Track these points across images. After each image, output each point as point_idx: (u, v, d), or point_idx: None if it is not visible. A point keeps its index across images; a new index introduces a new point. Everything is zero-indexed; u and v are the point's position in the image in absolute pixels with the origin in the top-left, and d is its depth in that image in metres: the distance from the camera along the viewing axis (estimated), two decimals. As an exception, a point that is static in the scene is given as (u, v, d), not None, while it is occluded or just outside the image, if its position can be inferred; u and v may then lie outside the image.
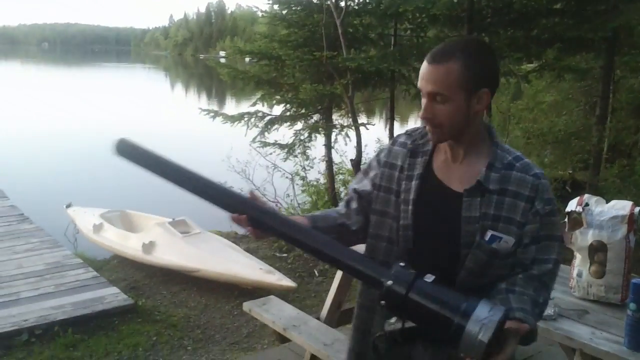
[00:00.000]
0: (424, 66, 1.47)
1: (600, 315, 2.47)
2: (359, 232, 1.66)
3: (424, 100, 1.48)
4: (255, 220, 1.49)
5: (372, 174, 1.67)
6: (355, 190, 1.69)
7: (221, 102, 25.45)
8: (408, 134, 1.65)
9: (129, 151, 1.58)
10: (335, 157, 8.16)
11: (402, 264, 1.39)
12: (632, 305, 2.15)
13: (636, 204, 2.57)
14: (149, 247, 5.57)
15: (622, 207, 2.51)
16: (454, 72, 1.43)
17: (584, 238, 2.54)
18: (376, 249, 1.62)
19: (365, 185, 1.67)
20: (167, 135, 15.82)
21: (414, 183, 1.56)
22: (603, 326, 2.36)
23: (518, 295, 1.46)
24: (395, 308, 1.38)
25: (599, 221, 2.51)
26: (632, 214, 2.48)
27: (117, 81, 41.45)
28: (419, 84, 1.48)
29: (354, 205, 1.68)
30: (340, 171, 8.55)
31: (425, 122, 1.50)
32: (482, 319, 1.27)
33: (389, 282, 1.35)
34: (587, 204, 2.56)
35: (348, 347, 1.77)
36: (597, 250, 2.52)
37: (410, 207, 1.54)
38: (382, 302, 1.36)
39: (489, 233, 1.47)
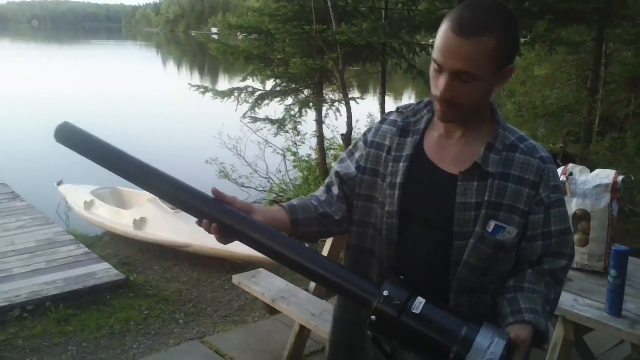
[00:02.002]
0: (450, 37, 1.24)
1: (584, 282, 2.50)
2: (342, 222, 1.49)
3: (442, 77, 1.28)
4: (227, 228, 1.31)
5: (357, 155, 1.50)
6: (337, 174, 1.51)
7: (214, 78, 25.28)
8: (399, 111, 1.49)
9: (70, 138, 1.39)
10: (327, 133, 8.16)
11: (391, 279, 1.25)
12: (613, 272, 2.18)
13: (620, 173, 2.59)
14: (140, 223, 5.58)
15: (605, 176, 2.53)
16: (489, 49, 1.23)
17: (568, 207, 2.56)
18: (363, 236, 1.47)
19: (349, 167, 1.50)
20: (159, 112, 15.78)
21: (401, 165, 1.40)
22: (585, 293, 2.40)
23: (527, 294, 1.31)
24: (385, 331, 1.24)
25: (582, 190, 2.53)
26: (615, 183, 2.50)
27: (109, 59, 41.09)
28: (439, 57, 1.26)
29: (335, 191, 1.50)
30: (332, 146, 8.55)
31: (442, 102, 1.30)
32: (485, 350, 1.13)
33: (385, 293, 1.21)
34: (571, 174, 2.58)
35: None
36: (580, 219, 2.55)
37: (396, 192, 1.39)
38: (373, 317, 1.22)
39: (493, 223, 1.31)
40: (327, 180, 1.56)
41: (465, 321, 1.19)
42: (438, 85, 1.29)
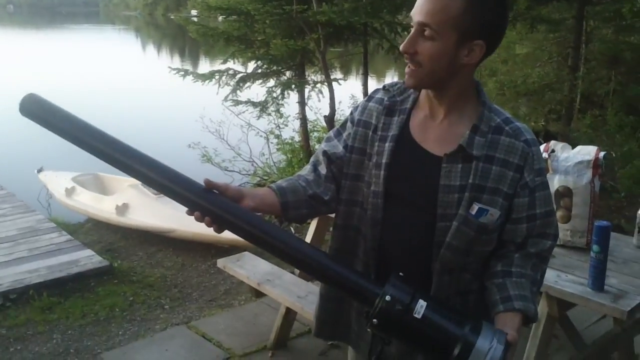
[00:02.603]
0: None
1: (566, 258, 2.52)
2: (330, 202, 1.48)
3: (411, 33, 1.31)
4: (219, 220, 1.28)
5: (345, 134, 1.49)
6: (325, 153, 1.49)
7: (194, 61, 25.00)
8: (386, 89, 1.48)
9: (36, 110, 1.29)
10: (310, 115, 8.12)
11: (393, 279, 1.25)
12: (595, 247, 2.20)
13: (601, 149, 2.61)
14: (122, 209, 5.53)
15: (587, 152, 2.54)
16: (451, 9, 1.25)
17: (550, 184, 2.55)
18: (350, 215, 1.48)
19: (336, 147, 1.49)
20: (139, 97, 15.59)
21: (387, 145, 1.39)
22: (568, 269, 2.42)
23: (516, 279, 1.34)
24: (387, 332, 1.25)
25: (564, 167, 2.55)
26: (596, 159, 2.51)
27: (88, 43, 40.40)
28: (412, 12, 1.31)
29: (323, 170, 1.48)
30: (315, 128, 8.52)
31: (405, 57, 1.32)
32: (485, 354, 1.16)
33: (387, 298, 1.21)
34: (553, 150, 2.59)
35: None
36: (563, 196, 2.56)
37: (382, 171, 1.39)
38: (374, 320, 1.22)
39: (476, 206, 1.31)
40: (312, 159, 1.54)
41: (465, 322, 1.21)
42: None
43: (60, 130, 1.28)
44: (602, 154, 2.53)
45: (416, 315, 1.19)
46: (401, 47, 1.31)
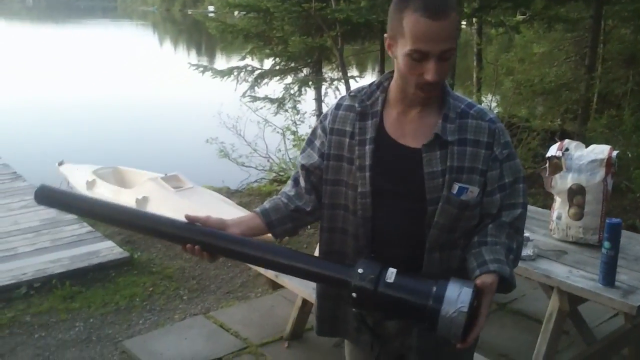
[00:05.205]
0: (427, 24, 1.30)
1: (578, 255, 2.57)
2: (314, 212, 1.60)
3: (428, 63, 1.34)
4: (207, 246, 1.46)
5: (318, 143, 1.58)
6: (303, 167, 1.60)
7: (211, 57, 25.15)
8: (352, 95, 1.57)
9: (49, 197, 1.58)
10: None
11: (363, 259, 1.40)
12: (606, 244, 2.24)
13: (615, 149, 2.65)
14: (142, 202, 5.63)
15: (600, 151, 2.58)
16: (456, 21, 1.34)
17: (564, 182, 2.62)
18: (334, 218, 1.57)
19: (312, 157, 1.59)
20: (157, 93, 15.74)
21: (367, 148, 1.48)
22: (580, 265, 2.47)
23: (490, 246, 1.44)
24: (367, 304, 1.37)
25: (578, 165, 2.59)
26: (609, 158, 2.55)
27: (107, 38, 40.75)
28: (422, 45, 1.32)
29: (302, 183, 1.60)
30: (331, 125, 8.56)
31: (432, 86, 1.39)
32: (455, 299, 1.27)
33: (359, 271, 1.35)
34: (567, 149, 2.63)
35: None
36: (575, 193, 2.61)
37: (367, 173, 1.48)
38: (353, 294, 1.35)
39: (456, 185, 1.43)
40: (293, 174, 1.66)
41: (435, 280, 1.33)
42: (424, 72, 1.36)
43: (69, 208, 1.66)
44: (615, 153, 2.57)
45: (388, 280, 1.33)
46: (432, 78, 1.35)
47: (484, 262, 1.40)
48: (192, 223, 1.48)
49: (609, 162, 2.54)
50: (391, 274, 1.34)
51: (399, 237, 1.49)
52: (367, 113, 1.51)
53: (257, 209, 1.59)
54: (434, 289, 1.30)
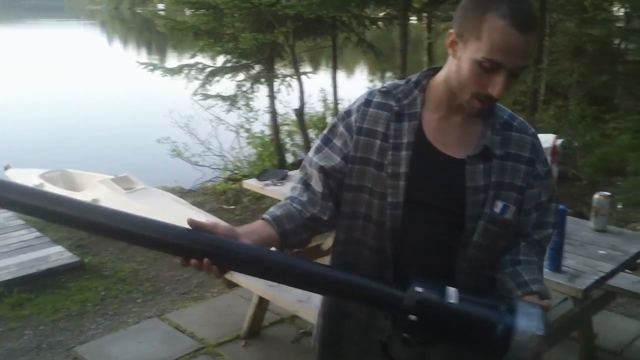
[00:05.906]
0: (513, 35, 1.18)
1: (527, 242, 2.62)
2: (330, 221, 1.40)
3: (497, 75, 1.21)
4: (220, 260, 1.17)
5: (339, 142, 1.39)
6: (321, 169, 1.38)
7: (162, 56, 24.74)
8: (384, 91, 1.38)
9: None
10: (279, 108, 8.16)
11: (413, 276, 1.21)
12: (552, 230, 2.30)
13: (559, 137, 2.73)
14: (93, 204, 5.49)
15: (545, 140, 2.64)
16: (536, 38, 1.24)
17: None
18: (352, 228, 1.39)
19: (332, 158, 1.38)
20: (107, 93, 15.39)
21: (404, 154, 1.31)
22: (528, 252, 2.52)
23: (525, 266, 1.33)
24: (428, 329, 1.19)
25: (524, 154, 2.64)
26: (555, 146, 2.62)
27: (53, 37, 39.61)
28: (500, 56, 1.19)
29: (318, 188, 1.39)
30: (285, 122, 8.56)
31: (494, 100, 1.26)
32: (526, 322, 1.14)
33: (419, 289, 1.16)
34: (513, 139, 2.68)
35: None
36: (523, 182, 2.66)
37: (401, 182, 1.31)
38: (412, 317, 1.16)
39: (500, 203, 1.30)
40: (301, 175, 1.44)
41: (497, 298, 1.21)
42: (489, 84, 1.23)
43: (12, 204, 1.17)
44: (559, 141, 2.64)
45: (451, 301, 1.15)
46: (498, 94, 1.23)
47: (525, 283, 1.28)
48: (199, 231, 1.19)
49: (554, 151, 2.61)
50: (453, 292, 1.16)
51: (428, 253, 1.34)
52: (404, 114, 1.34)
53: (267, 216, 1.34)
54: (502, 309, 1.15)
